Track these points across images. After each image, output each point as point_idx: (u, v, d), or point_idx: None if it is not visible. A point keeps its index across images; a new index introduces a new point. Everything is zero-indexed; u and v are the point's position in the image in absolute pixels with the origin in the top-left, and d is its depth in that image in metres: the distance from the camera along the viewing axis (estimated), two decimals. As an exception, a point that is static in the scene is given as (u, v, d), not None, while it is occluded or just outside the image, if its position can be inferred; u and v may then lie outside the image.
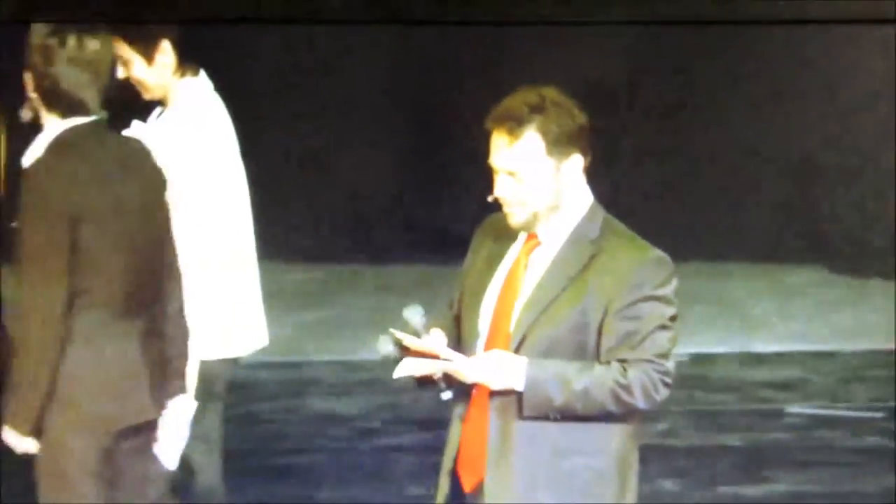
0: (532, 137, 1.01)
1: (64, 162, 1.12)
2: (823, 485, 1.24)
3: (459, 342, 1.06)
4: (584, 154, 1.02)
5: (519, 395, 1.01)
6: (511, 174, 1.04)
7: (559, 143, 0.99)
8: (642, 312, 1.01)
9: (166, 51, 1.26)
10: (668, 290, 1.00)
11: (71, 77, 1.13)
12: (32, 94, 1.11)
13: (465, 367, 1.03)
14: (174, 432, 1.19)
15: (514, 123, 1.04)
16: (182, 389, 1.19)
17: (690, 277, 1.16)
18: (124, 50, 1.20)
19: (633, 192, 1.23)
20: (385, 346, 1.02)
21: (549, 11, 1.21)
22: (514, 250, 1.07)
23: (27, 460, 1.10)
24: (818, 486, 1.24)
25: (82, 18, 1.12)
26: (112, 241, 1.13)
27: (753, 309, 1.23)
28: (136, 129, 1.21)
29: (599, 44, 1.23)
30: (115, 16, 1.16)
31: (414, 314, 1.03)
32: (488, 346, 1.03)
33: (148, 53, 1.22)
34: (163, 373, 1.16)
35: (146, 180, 1.18)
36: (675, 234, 1.18)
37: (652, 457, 1.19)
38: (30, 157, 1.11)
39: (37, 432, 1.09)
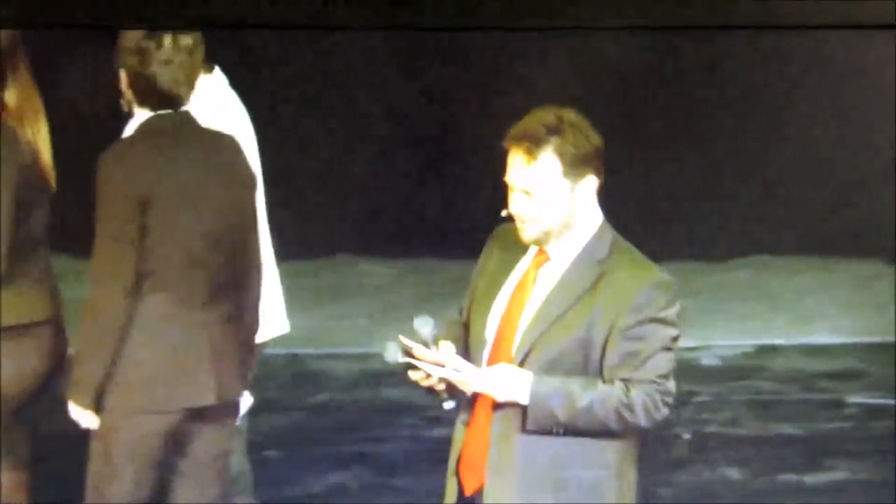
0: (549, 158, 1.02)
1: (138, 147, 1.16)
2: (881, 473, 1.27)
3: (467, 349, 1.08)
4: (598, 175, 1.03)
5: (523, 408, 1.02)
6: (526, 192, 1.06)
7: (575, 165, 1.02)
8: (646, 334, 1.02)
9: None
10: (671, 313, 1.01)
11: (166, 75, 1.16)
12: (126, 91, 1.17)
13: (471, 378, 1.03)
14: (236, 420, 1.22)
15: (532, 144, 1.05)
16: (247, 382, 1.22)
17: (753, 271, 1.19)
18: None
19: (685, 191, 1.25)
20: (393, 354, 1.04)
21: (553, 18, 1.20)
22: (524, 264, 1.08)
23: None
24: (877, 475, 1.26)
25: (93, 23, 1.16)
26: (184, 228, 1.15)
27: (813, 302, 1.26)
28: None
29: (605, 49, 1.24)
30: (123, 21, 1.16)
31: (424, 325, 1.05)
32: (493, 356, 1.05)
33: None
34: (231, 361, 1.18)
35: (232, 174, 1.21)
36: (738, 230, 1.21)
37: (715, 445, 1.21)
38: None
39: (96, 409, 1.12)
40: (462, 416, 1.06)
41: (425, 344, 1.05)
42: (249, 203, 1.22)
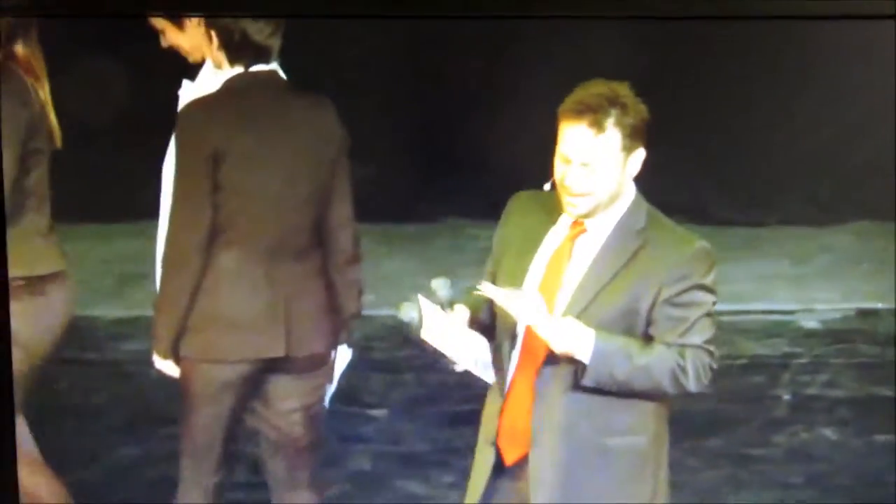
0: (613, 131, 1.04)
1: (216, 103, 1.18)
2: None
3: (493, 319, 1.10)
4: (646, 147, 1.05)
5: (578, 365, 1.05)
6: (585, 165, 1.09)
7: (632, 137, 1.04)
8: (692, 300, 1.05)
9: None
10: (711, 279, 1.05)
11: (257, 28, 1.17)
12: (217, 52, 1.17)
13: (540, 324, 1.05)
14: (328, 377, 1.25)
15: (597, 116, 1.07)
16: (343, 339, 1.25)
17: (855, 237, 1.21)
18: (156, 21, 1.24)
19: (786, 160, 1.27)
20: (409, 313, 1.07)
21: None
22: (558, 235, 1.10)
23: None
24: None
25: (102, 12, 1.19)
26: (260, 185, 1.18)
27: None
28: (185, 88, 1.23)
29: (609, 38, 1.22)
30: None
31: (441, 286, 1.08)
32: (530, 329, 1.06)
33: (177, 21, 1.24)
34: (309, 317, 1.21)
35: (319, 134, 1.21)
36: (841, 196, 1.23)
37: (815, 406, 1.24)
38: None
39: (176, 358, 1.18)
40: (496, 387, 1.10)
41: (441, 305, 1.07)
42: (337, 164, 1.22)
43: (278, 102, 1.20)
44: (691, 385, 1.06)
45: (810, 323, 1.24)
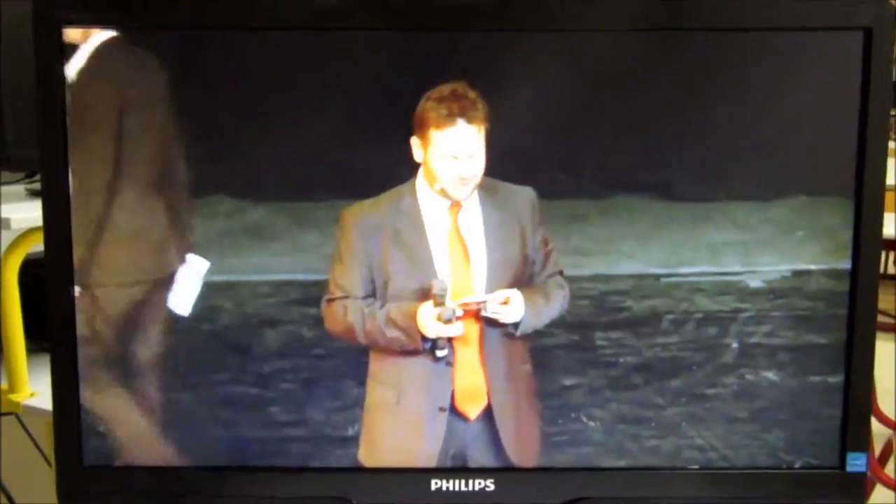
0: (479, 123, 1.27)
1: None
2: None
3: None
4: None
5: (508, 326, 1.33)
6: (472, 157, 1.32)
7: (484, 124, 1.28)
8: (545, 235, 1.33)
9: None
10: None
11: None
12: None
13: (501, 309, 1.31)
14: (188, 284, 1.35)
15: (469, 114, 1.28)
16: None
17: (792, 210, 1.38)
18: None
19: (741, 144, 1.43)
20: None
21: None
22: (439, 222, 1.32)
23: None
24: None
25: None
26: (151, 130, 1.27)
27: (842, 234, 1.43)
28: None
29: (576, 49, 1.32)
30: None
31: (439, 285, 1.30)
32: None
33: None
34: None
35: None
36: (781, 174, 1.40)
37: (758, 353, 1.40)
38: None
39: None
40: (443, 354, 1.30)
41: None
42: None
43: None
44: (567, 304, 1.34)
45: (755, 282, 1.35)
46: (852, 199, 1.35)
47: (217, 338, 1.37)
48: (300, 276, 1.35)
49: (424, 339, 1.31)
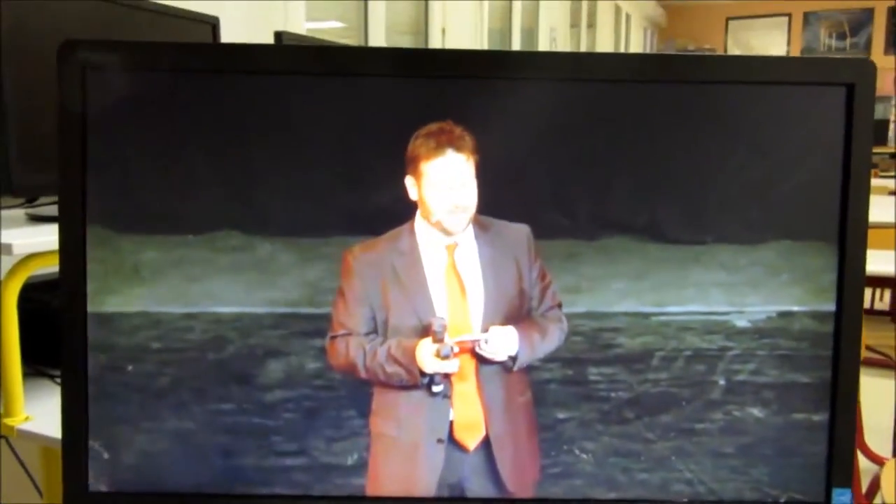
0: (469, 154, 1.31)
1: None
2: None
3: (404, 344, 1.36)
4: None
5: (504, 360, 1.34)
6: (465, 185, 1.31)
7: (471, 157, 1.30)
8: (543, 270, 1.35)
9: None
10: None
11: None
12: None
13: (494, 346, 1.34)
14: None
15: (458, 144, 1.31)
16: None
17: (777, 253, 1.42)
18: None
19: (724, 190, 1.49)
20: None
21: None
22: (436, 261, 1.35)
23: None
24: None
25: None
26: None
27: (823, 278, 1.47)
28: None
29: (571, 98, 1.36)
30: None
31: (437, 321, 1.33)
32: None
33: None
34: None
35: None
36: (766, 220, 1.45)
37: (744, 390, 1.43)
38: None
39: None
40: (439, 390, 1.34)
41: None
42: None
43: None
44: (565, 338, 1.36)
45: (741, 322, 1.39)
46: (835, 244, 1.41)
47: (222, 368, 1.40)
48: (305, 310, 1.40)
49: (423, 374, 1.35)
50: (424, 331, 1.34)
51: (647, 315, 1.41)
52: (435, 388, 1.33)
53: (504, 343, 1.33)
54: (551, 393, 1.42)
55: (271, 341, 1.40)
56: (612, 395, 1.42)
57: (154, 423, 1.42)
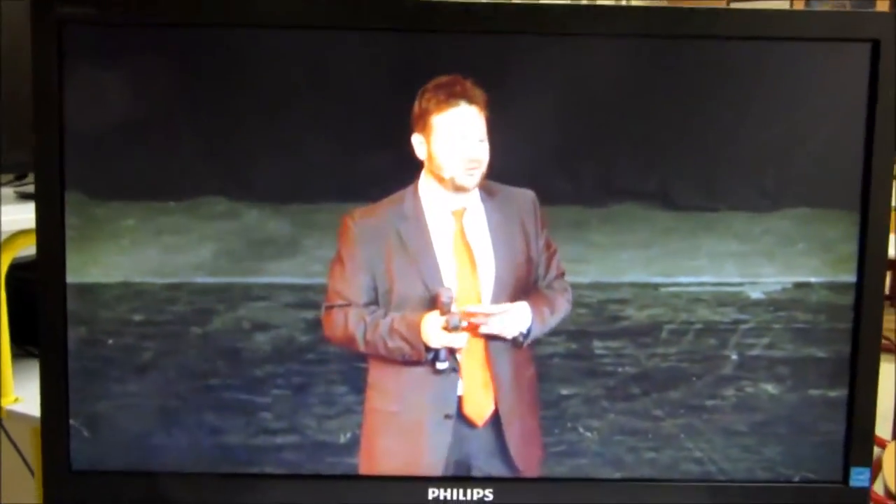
0: (483, 108, 1.26)
1: None
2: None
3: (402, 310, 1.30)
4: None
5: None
6: (482, 141, 1.31)
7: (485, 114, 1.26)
8: (548, 238, 1.31)
9: None
10: None
11: None
12: None
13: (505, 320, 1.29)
14: None
15: (471, 95, 1.26)
16: None
17: (793, 221, 1.37)
18: None
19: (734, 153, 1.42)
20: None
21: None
22: (444, 226, 1.29)
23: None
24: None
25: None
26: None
27: (842, 246, 1.42)
28: None
29: (580, 56, 1.31)
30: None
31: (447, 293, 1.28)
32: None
33: None
34: None
35: None
36: (783, 187, 1.39)
37: (758, 365, 1.38)
38: None
39: None
40: (443, 367, 1.28)
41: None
42: None
43: None
44: (570, 308, 1.32)
45: (755, 293, 1.34)
46: (856, 211, 1.35)
47: (207, 341, 1.34)
48: (296, 280, 1.33)
49: (427, 349, 1.29)
50: (432, 301, 1.28)
51: (656, 286, 1.36)
52: (440, 365, 1.28)
53: (516, 320, 1.28)
54: (555, 368, 1.37)
55: (259, 313, 1.34)
56: (619, 370, 1.37)
57: (137, 399, 1.36)
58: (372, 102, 1.29)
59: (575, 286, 1.35)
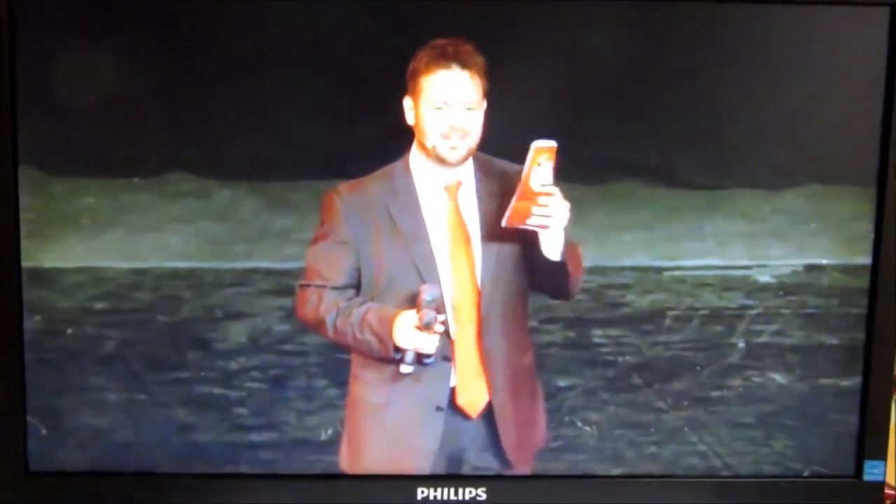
0: (478, 75, 1.18)
1: None
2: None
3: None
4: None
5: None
6: (470, 109, 1.22)
7: (484, 83, 1.18)
8: None
9: None
10: None
11: None
12: None
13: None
14: None
15: (466, 60, 1.20)
16: None
17: (805, 199, 1.31)
18: None
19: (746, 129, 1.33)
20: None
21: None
22: (437, 201, 1.21)
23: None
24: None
25: None
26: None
27: (856, 226, 1.35)
28: None
29: (580, 21, 1.24)
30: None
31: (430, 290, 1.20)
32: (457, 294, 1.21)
33: None
34: None
35: None
36: (794, 162, 1.32)
37: (766, 353, 1.32)
38: None
39: None
40: (407, 371, 1.21)
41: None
42: None
43: None
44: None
45: (763, 277, 1.28)
46: (872, 187, 1.27)
47: (176, 331, 1.25)
48: (272, 265, 1.24)
49: (396, 348, 1.20)
50: (412, 298, 1.19)
51: (658, 270, 1.29)
52: (403, 368, 1.19)
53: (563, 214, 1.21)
54: (551, 358, 1.29)
55: (232, 301, 1.25)
56: (619, 359, 1.30)
57: (100, 394, 1.26)
58: (358, 69, 1.20)
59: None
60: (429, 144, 1.18)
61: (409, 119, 1.18)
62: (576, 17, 1.21)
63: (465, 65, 1.17)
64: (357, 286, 1.20)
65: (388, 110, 1.20)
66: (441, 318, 1.19)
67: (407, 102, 1.18)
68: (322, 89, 1.21)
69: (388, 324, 1.19)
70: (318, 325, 1.20)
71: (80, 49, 1.17)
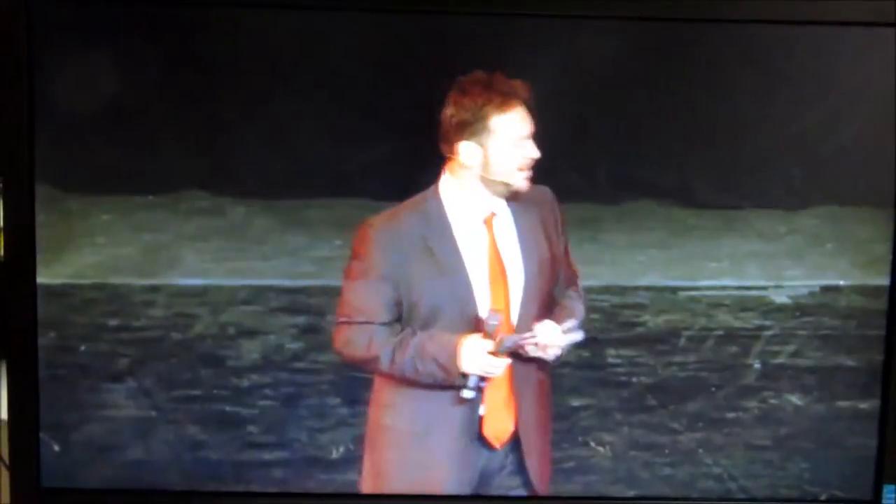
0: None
1: None
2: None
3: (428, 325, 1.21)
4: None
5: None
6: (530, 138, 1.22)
7: None
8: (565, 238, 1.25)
9: None
10: None
11: None
12: None
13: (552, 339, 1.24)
14: None
15: (519, 97, 1.20)
16: None
17: (822, 220, 1.30)
18: None
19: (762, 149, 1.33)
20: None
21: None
22: (473, 232, 1.21)
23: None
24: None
25: None
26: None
27: (873, 247, 1.34)
28: None
29: (595, 39, 1.25)
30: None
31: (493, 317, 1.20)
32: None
33: None
34: None
35: None
36: (811, 183, 1.31)
37: (782, 374, 1.31)
38: None
39: None
40: (469, 396, 1.20)
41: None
42: None
43: None
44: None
45: (780, 298, 1.28)
46: (890, 208, 1.27)
47: (189, 349, 1.25)
48: (286, 282, 1.24)
49: (462, 374, 1.19)
50: (466, 318, 1.19)
51: (673, 289, 1.28)
52: (466, 394, 1.19)
53: (553, 340, 1.21)
54: (565, 378, 1.28)
55: (245, 318, 1.25)
56: (634, 380, 1.29)
57: (112, 411, 1.26)
58: (371, 89, 1.20)
59: (587, 290, 1.26)
60: (499, 179, 1.18)
61: (473, 160, 1.17)
62: (593, 38, 1.21)
63: (524, 100, 1.19)
64: (399, 318, 1.19)
65: (398, 130, 1.20)
66: (517, 340, 1.19)
67: (467, 146, 1.16)
68: (336, 109, 1.21)
69: (452, 350, 1.17)
70: (367, 362, 1.21)
71: (96, 68, 1.17)
